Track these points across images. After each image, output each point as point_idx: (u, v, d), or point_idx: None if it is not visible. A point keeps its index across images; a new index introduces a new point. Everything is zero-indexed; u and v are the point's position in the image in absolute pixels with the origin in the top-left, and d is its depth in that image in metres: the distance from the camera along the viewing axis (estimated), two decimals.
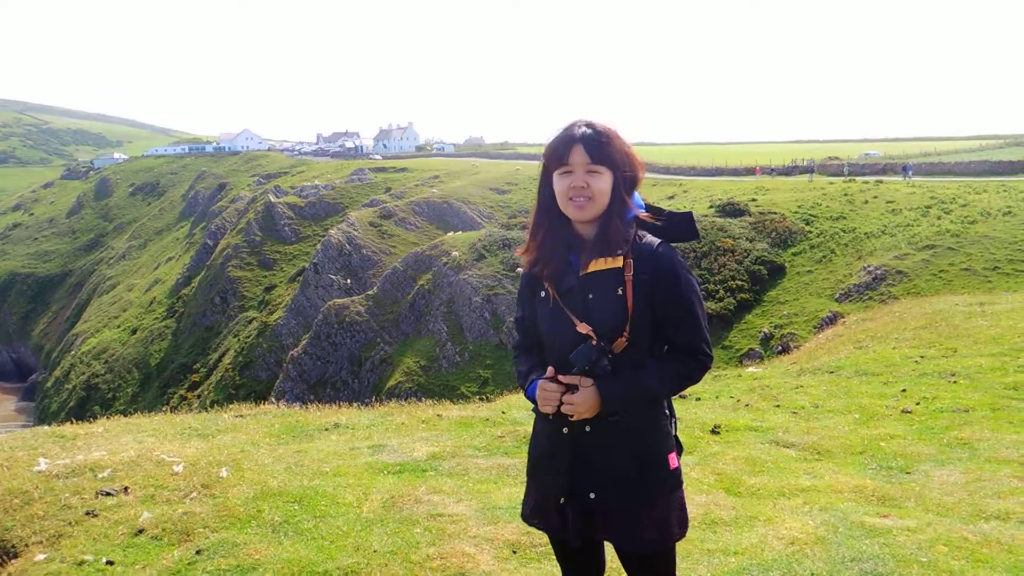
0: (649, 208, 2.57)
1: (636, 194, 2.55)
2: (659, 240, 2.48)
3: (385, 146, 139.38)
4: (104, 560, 4.23)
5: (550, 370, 2.47)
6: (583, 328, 2.42)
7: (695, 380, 2.49)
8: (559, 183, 2.47)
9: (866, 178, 45.34)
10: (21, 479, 5.33)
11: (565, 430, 2.51)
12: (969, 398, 8.24)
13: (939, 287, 27.15)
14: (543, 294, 2.56)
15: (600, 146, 2.43)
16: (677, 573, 2.62)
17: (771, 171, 57.16)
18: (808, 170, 55.05)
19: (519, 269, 2.68)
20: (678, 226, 2.55)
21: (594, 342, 2.40)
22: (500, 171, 72.38)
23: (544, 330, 2.57)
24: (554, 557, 3.09)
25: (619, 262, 2.43)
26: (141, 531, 4.58)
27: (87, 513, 4.81)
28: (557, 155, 2.47)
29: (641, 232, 2.50)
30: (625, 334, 2.42)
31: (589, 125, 2.47)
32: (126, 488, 5.19)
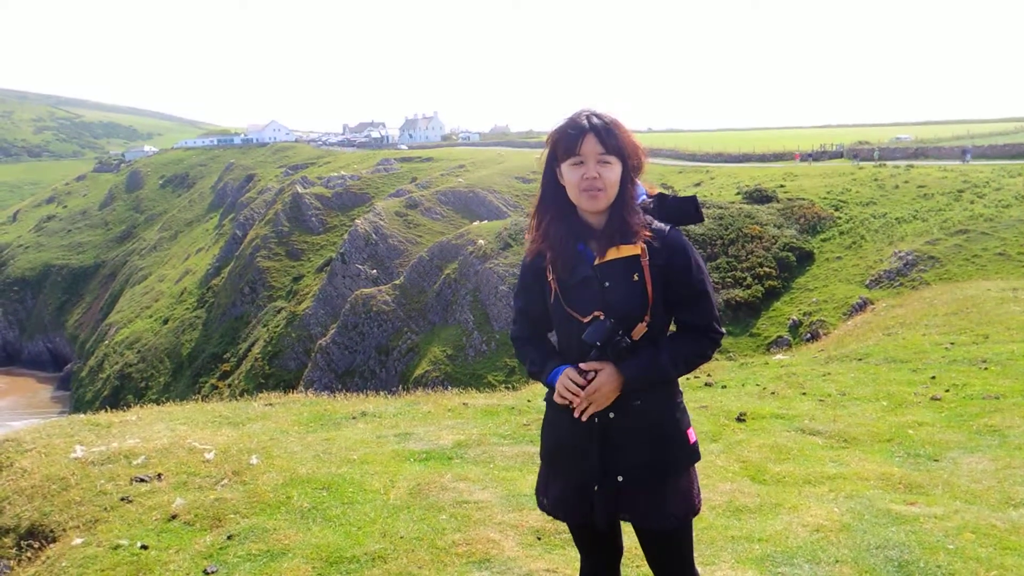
0: (652, 195, 2.61)
1: (638, 182, 2.58)
2: (668, 225, 2.54)
3: (411, 136, 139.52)
4: (139, 544, 4.35)
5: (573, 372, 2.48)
6: (588, 318, 2.47)
7: (709, 357, 2.58)
8: (571, 174, 2.48)
9: (897, 162, 44.59)
10: (58, 466, 5.48)
11: (595, 419, 2.52)
12: (1000, 385, 8.13)
13: (972, 272, 26.65)
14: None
15: (611, 136, 2.46)
16: (702, 560, 2.65)
17: (810, 156, 55.14)
18: (839, 155, 54.00)
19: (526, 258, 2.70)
20: (684, 211, 2.60)
21: (601, 317, 2.44)
22: (525, 160, 72.06)
23: (556, 320, 2.60)
24: None
25: (636, 249, 2.47)
26: (174, 516, 4.69)
27: (122, 499, 4.94)
28: (567, 146, 2.48)
29: (648, 218, 2.54)
30: (646, 319, 2.47)
31: (597, 115, 2.49)
32: (159, 475, 5.31)
